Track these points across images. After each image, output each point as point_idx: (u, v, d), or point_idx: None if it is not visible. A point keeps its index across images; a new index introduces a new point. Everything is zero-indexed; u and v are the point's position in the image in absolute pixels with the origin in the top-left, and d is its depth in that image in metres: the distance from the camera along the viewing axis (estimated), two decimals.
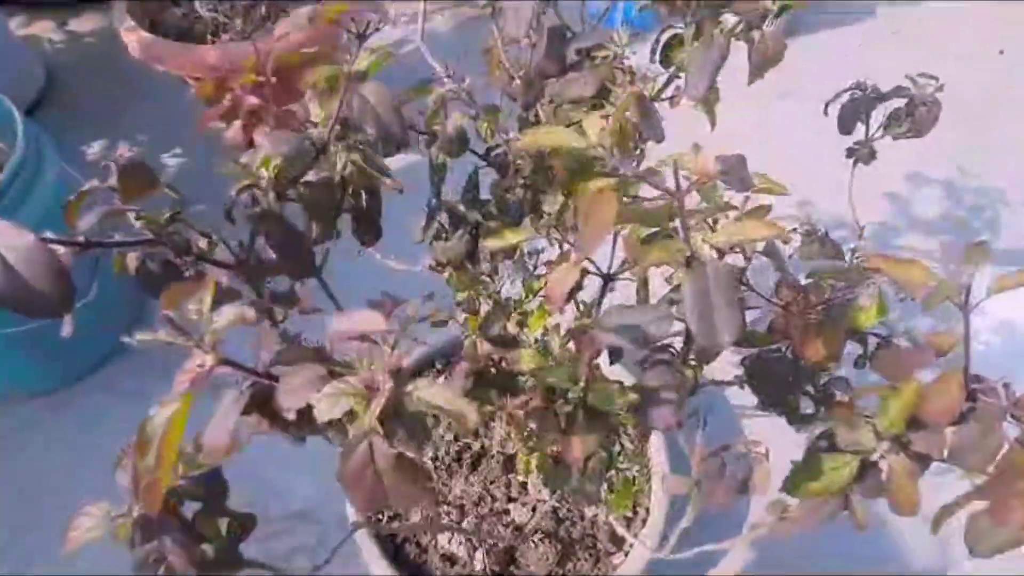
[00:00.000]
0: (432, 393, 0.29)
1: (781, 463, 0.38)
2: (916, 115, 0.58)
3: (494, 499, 0.76)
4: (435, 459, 0.78)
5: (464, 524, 0.73)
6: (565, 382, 0.37)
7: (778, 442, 0.43)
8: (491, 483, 0.77)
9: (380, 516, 0.74)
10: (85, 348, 1.02)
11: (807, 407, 0.46)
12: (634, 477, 0.54)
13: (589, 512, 0.74)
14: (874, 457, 0.35)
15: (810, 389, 0.44)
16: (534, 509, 0.74)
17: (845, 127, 0.61)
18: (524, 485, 0.76)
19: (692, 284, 0.32)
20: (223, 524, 0.36)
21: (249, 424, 0.32)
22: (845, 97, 0.61)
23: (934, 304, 0.32)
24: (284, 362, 0.31)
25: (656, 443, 0.77)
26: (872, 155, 0.63)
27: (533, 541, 0.72)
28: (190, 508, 0.36)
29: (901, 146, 0.64)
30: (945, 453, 0.33)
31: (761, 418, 0.52)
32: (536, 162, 0.45)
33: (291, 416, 0.30)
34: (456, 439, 0.80)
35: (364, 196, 0.42)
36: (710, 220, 0.38)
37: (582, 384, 0.37)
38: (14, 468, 0.96)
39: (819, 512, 0.37)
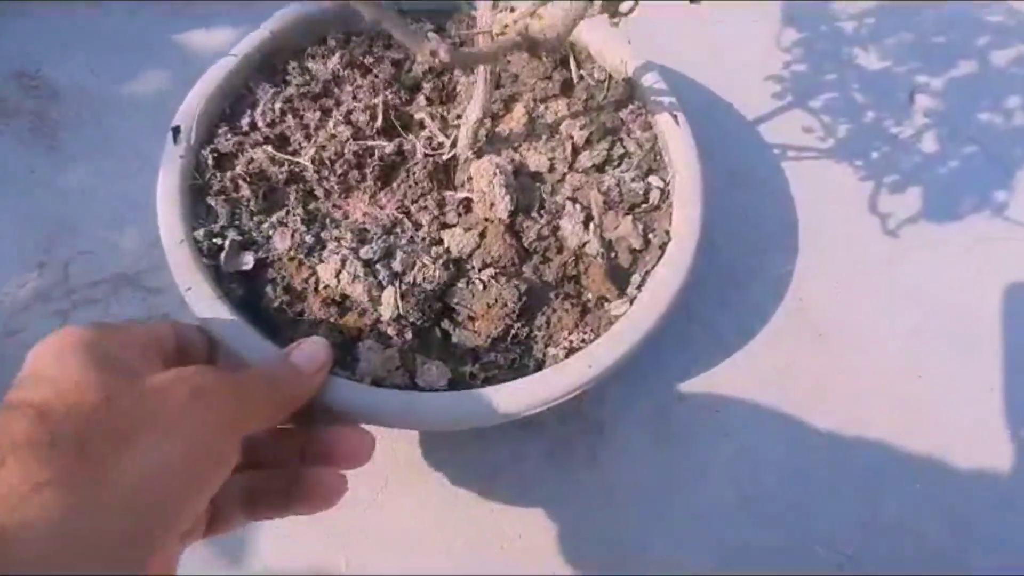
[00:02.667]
0: None
1: None
2: None
3: (418, 226, 0.46)
4: (319, 164, 0.47)
5: (363, 252, 0.43)
6: None
7: None
8: (413, 203, 0.47)
9: (220, 243, 0.43)
10: None
11: None
12: None
13: (573, 239, 0.46)
14: None
15: None
16: (482, 234, 0.45)
17: None
18: (466, 204, 0.47)
19: None
20: None
21: None
22: None
23: None
24: None
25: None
26: None
27: (480, 280, 0.43)
28: None
29: None
30: None
31: None
32: None
33: None
34: (357, 136, 0.48)
35: None
36: None
37: None
38: None
39: None
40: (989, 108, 0.71)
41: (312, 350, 0.35)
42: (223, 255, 0.42)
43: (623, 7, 0.35)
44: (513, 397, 0.39)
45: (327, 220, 0.46)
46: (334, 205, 0.47)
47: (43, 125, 0.63)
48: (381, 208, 0.47)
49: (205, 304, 0.40)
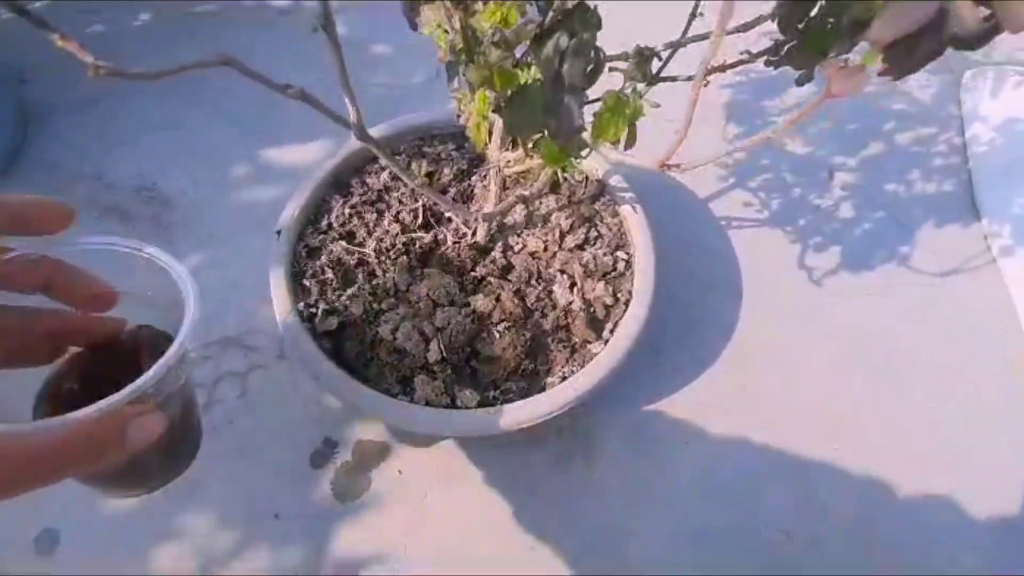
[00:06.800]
0: None
1: None
2: None
3: (450, 294, 0.64)
4: (378, 252, 0.66)
5: (417, 321, 0.61)
6: None
7: None
8: (447, 273, 0.65)
9: (315, 311, 0.61)
10: None
11: None
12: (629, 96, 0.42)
13: (563, 299, 0.63)
14: None
15: None
16: (498, 298, 0.63)
17: None
18: (482, 280, 0.65)
19: None
20: None
21: None
22: None
23: None
24: None
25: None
26: None
27: (497, 331, 0.61)
28: None
29: None
30: None
31: None
32: None
33: None
34: (404, 230, 0.67)
35: None
36: None
37: None
38: None
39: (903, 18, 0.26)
40: (895, 180, 0.90)
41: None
42: (316, 320, 0.61)
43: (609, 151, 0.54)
44: (523, 412, 0.56)
45: (385, 293, 0.64)
46: (392, 282, 0.65)
47: (160, 226, 0.82)
48: (422, 282, 0.65)
49: (309, 355, 0.57)
